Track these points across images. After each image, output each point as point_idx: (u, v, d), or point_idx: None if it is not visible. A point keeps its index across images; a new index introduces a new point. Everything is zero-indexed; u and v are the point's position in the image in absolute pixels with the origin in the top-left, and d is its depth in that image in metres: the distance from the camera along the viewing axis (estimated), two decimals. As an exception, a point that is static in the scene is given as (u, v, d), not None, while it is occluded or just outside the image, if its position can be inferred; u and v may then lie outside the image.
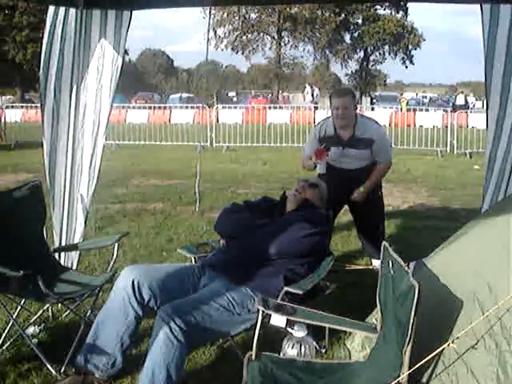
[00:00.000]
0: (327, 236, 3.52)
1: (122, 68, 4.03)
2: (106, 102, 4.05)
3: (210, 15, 10.78)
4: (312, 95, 28.16)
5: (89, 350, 3.09)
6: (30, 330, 3.70)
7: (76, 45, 3.95)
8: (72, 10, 3.91)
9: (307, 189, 3.56)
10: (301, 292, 3.02)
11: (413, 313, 2.14)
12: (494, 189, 4.26)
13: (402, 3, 45.38)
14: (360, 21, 52.90)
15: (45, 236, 3.91)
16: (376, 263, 4.93)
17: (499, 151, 4.13)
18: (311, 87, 29.09)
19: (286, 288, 3.03)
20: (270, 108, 22.41)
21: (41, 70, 4.02)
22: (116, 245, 3.78)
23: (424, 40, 53.67)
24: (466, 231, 2.95)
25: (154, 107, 22.01)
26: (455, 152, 15.32)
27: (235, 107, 23.44)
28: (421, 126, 16.63)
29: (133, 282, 3.04)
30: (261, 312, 2.68)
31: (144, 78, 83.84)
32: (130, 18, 3.97)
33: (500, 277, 2.34)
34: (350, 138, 4.67)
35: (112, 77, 4.02)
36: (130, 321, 3.04)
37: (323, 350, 3.52)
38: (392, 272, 2.49)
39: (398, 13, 51.75)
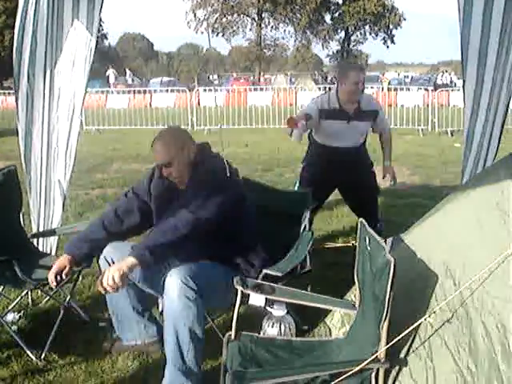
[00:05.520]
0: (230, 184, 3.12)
1: (95, 50, 3.95)
2: (80, 85, 3.98)
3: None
4: (115, 78, 28.17)
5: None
6: (9, 317, 3.67)
7: (49, 27, 3.86)
8: (44, -9, 3.82)
9: (164, 171, 3.21)
10: (280, 274, 3.02)
11: (389, 288, 2.15)
12: (473, 165, 4.28)
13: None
14: (340, 0, 52.74)
15: (22, 222, 3.86)
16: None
17: (477, 127, 4.15)
18: (114, 70, 29.10)
19: (265, 270, 3.04)
20: (250, 90, 22.24)
21: (14, 54, 3.93)
22: (94, 229, 3.73)
23: (405, 19, 53.78)
24: (442, 206, 2.96)
25: (135, 91, 21.72)
26: (436, 130, 15.39)
27: (216, 90, 23.28)
28: (402, 106, 16.68)
29: (105, 258, 3.09)
30: (239, 292, 2.68)
31: (124, 62, 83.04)
32: (103, -2, 3.87)
33: (473, 249, 2.35)
34: (356, 111, 4.60)
35: (86, 59, 3.92)
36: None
37: (305, 327, 3.54)
38: (369, 248, 2.50)
39: (378, -8, 51.64)
